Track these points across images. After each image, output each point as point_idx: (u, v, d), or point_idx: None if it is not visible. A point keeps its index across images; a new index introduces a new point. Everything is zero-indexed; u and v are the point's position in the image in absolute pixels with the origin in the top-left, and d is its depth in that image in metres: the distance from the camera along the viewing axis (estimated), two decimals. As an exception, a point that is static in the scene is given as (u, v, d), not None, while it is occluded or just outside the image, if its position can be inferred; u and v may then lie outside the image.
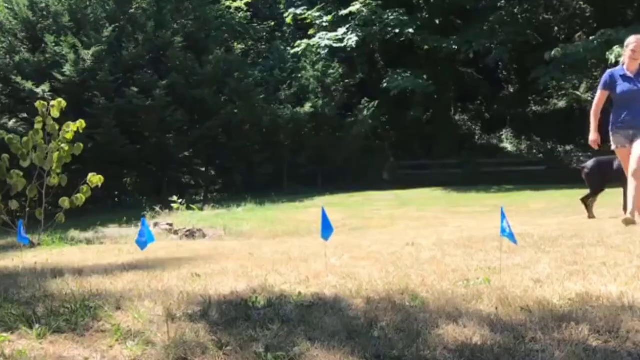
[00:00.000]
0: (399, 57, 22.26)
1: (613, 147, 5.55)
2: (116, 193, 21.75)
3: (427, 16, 21.81)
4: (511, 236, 3.41)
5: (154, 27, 20.07)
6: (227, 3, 24.99)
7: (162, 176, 21.29)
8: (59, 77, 18.62)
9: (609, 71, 5.66)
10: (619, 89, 5.43)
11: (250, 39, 26.23)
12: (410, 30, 20.68)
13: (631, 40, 5.49)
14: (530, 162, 23.92)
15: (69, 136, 7.17)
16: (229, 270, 3.43)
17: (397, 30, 20.81)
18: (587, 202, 6.87)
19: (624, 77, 5.43)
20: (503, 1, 21.72)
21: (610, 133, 5.54)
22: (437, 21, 22.13)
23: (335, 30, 21.46)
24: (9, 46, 19.66)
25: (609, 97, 5.62)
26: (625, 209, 5.63)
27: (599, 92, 5.62)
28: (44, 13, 20.13)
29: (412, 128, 23.81)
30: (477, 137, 27.62)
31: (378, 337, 2.07)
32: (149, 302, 2.58)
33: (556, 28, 22.21)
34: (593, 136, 5.60)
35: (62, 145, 7.13)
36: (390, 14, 20.81)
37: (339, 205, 13.77)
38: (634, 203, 5.21)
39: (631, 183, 5.29)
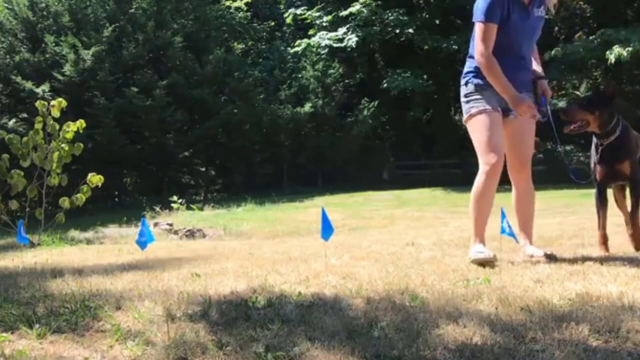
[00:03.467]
0: (399, 57, 22.28)
1: (474, 109, 3.42)
2: (116, 193, 21.78)
3: (427, 16, 21.82)
4: (512, 235, 3.42)
5: (154, 27, 20.09)
6: (227, 3, 25.02)
7: (162, 176, 21.31)
8: (59, 77, 18.64)
9: None
10: (506, 22, 3.36)
11: (250, 39, 26.25)
12: (410, 30, 20.68)
13: None
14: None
15: (69, 136, 7.17)
16: (229, 270, 3.43)
17: (397, 30, 20.82)
18: None
19: (515, 3, 3.36)
20: (503, 1, 21.71)
21: (472, 87, 3.46)
22: (437, 21, 22.13)
23: (335, 30, 21.46)
24: (9, 46, 19.69)
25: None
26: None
27: (487, 25, 3.31)
28: (44, 13, 20.16)
29: (412, 128, 23.81)
30: (477, 137, 27.56)
31: (378, 337, 2.07)
32: (149, 302, 2.57)
33: (556, 28, 22.19)
34: (526, 103, 3.27)
35: (62, 145, 7.13)
36: (390, 14, 20.83)
37: (339, 205, 13.77)
38: (526, 226, 3.57)
39: (520, 196, 3.56)
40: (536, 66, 3.61)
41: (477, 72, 3.46)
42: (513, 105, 3.31)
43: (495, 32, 3.32)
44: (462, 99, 3.55)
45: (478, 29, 3.35)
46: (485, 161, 3.39)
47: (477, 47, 3.36)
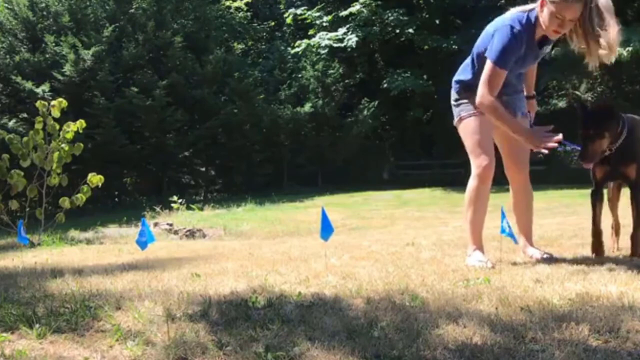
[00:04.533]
0: (399, 57, 22.29)
1: (464, 113, 3.41)
2: (116, 193, 21.79)
3: (427, 16, 21.83)
4: (511, 235, 3.41)
5: (154, 27, 20.10)
6: (227, 3, 25.04)
7: (162, 176, 21.33)
8: (59, 77, 18.65)
9: (517, 30, 3.19)
10: (521, 61, 3.28)
11: (250, 39, 26.28)
12: (410, 30, 20.69)
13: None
14: (530, 162, 23.93)
15: (69, 136, 7.18)
16: (229, 270, 3.43)
17: (397, 31, 20.83)
18: None
19: (529, 46, 3.23)
20: (503, 1, 21.73)
21: (463, 93, 3.42)
22: (437, 21, 22.14)
23: (335, 30, 21.48)
24: (9, 46, 19.70)
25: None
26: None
27: (497, 70, 3.16)
28: (44, 13, 20.17)
29: (412, 128, 23.82)
30: (477, 137, 27.61)
31: (378, 337, 2.07)
32: (149, 302, 2.57)
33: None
34: (541, 139, 3.15)
35: (62, 145, 7.14)
36: (390, 14, 20.84)
37: (339, 205, 13.78)
38: (525, 227, 3.59)
39: (518, 198, 3.60)
40: (529, 86, 3.60)
41: (466, 83, 3.43)
42: (528, 142, 3.20)
43: (503, 78, 3.20)
44: (452, 103, 3.53)
45: (488, 68, 3.19)
46: (477, 164, 3.40)
47: (482, 89, 3.20)
